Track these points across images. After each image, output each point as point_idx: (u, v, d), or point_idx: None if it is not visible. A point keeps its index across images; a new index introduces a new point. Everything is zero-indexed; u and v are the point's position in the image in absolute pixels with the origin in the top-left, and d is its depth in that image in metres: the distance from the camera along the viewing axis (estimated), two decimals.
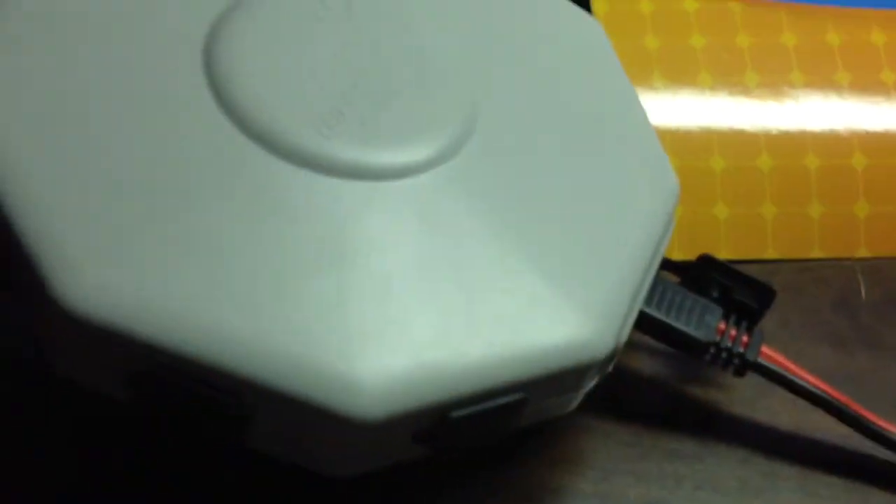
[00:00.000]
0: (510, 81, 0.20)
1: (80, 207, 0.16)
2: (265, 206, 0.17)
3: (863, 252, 0.24)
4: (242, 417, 0.17)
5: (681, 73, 0.25)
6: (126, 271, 0.16)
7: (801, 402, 0.20)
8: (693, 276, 0.21)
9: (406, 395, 0.16)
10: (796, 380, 0.20)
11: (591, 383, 0.19)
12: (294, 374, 0.16)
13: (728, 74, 0.25)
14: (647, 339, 0.20)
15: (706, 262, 0.21)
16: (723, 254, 0.24)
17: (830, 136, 0.25)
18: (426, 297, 0.17)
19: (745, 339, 0.20)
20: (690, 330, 0.20)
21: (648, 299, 0.20)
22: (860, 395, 0.21)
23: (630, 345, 0.19)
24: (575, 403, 0.19)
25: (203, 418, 0.17)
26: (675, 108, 0.25)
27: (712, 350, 0.20)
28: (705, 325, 0.20)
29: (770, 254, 0.24)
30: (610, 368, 0.19)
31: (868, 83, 0.25)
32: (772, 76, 0.25)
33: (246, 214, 0.17)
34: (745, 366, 0.20)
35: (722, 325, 0.20)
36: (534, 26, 0.21)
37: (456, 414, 0.17)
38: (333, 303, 0.17)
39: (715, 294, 0.21)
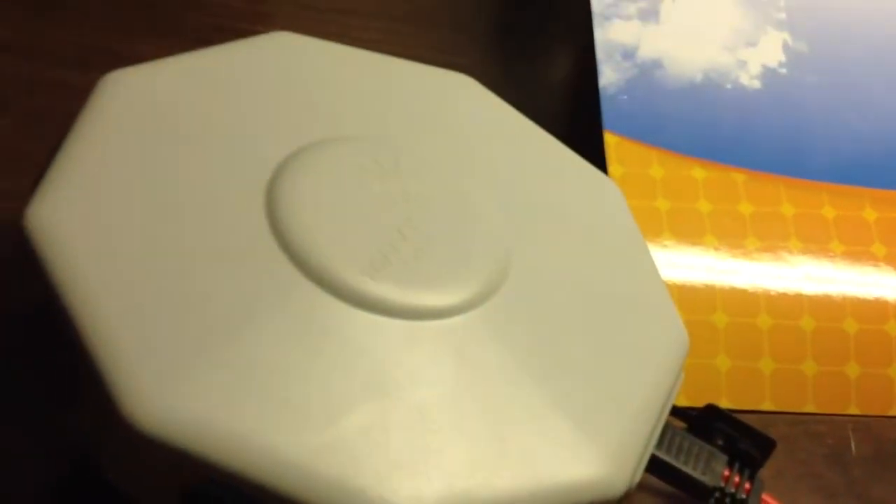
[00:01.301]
0: (539, 237, 0.22)
1: (150, 332, 0.18)
2: (317, 339, 0.19)
3: (853, 409, 0.26)
4: None
5: (688, 234, 0.27)
6: (190, 394, 0.17)
7: None
8: (699, 423, 0.22)
9: None
10: None
11: None
12: (339, 498, 0.17)
13: (731, 238, 0.28)
14: (655, 482, 0.22)
15: (712, 411, 0.22)
16: (723, 403, 0.26)
17: (825, 300, 0.27)
18: (459, 430, 0.19)
19: (747, 486, 0.22)
20: (697, 475, 0.21)
21: (659, 443, 0.21)
22: None
23: (639, 487, 0.21)
24: None
25: None
26: (682, 266, 0.27)
27: (717, 495, 0.21)
28: (711, 471, 0.21)
29: (767, 406, 0.26)
30: None
31: (859, 254, 0.28)
32: (771, 242, 0.28)
33: (299, 346, 0.19)
34: None
35: (726, 472, 0.22)
36: (561, 186, 0.23)
37: None
38: (375, 431, 0.18)
39: (720, 442, 0.22)
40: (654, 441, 0.21)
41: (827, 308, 0.27)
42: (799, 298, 0.27)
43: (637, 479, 0.20)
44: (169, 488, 0.18)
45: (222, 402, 0.18)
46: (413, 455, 0.18)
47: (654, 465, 0.21)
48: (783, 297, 0.27)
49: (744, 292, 0.27)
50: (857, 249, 0.28)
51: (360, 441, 0.18)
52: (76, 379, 0.19)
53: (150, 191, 0.20)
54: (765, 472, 0.24)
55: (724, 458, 0.22)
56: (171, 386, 0.17)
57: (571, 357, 0.20)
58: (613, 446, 0.19)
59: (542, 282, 0.21)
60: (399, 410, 0.19)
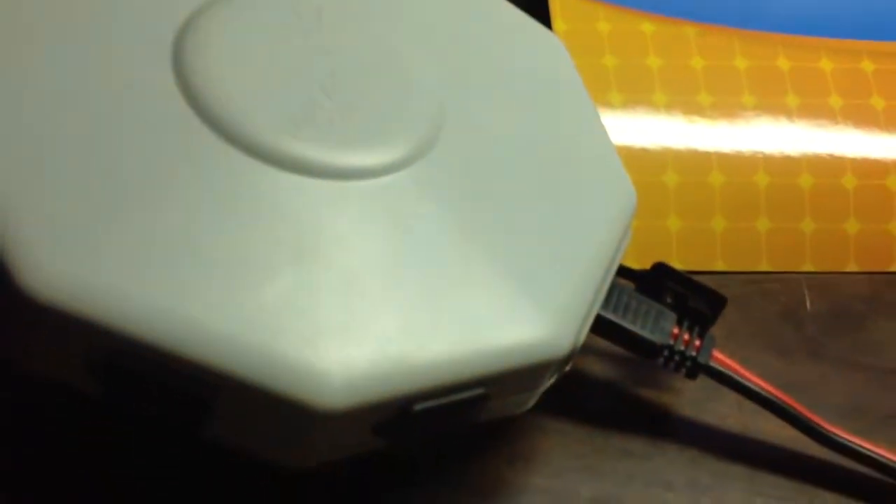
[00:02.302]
0: (476, 92, 0.21)
1: (49, 200, 0.17)
2: (234, 202, 0.17)
3: (808, 266, 0.25)
4: (203, 407, 0.17)
5: (637, 92, 0.26)
6: (90, 259, 0.16)
7: (748, 406, 0.21)
8: (648, 282, 0.21)
9: (370, 387, 0.17)
10: (746, 382, 0.21)
11: (549, 382, 0.19)
12: (259, 363, 0.16)
13: (682, 94, 0.26)
14: (602, 343, 0.21)
15: (661, 269, 0.21)
16: (674, 264, 0.24)
17: (780, 156, 0.26)
18: (391, 294, 0.17)
19: (697, 343, 0.21)
20: (646, 333, 0.20)
21: (606, 303, 0.20)
22: (806, 403, 0.21)
23: (585, 348, 0.20)
24: (532, 402, 0.19)
25: (164, 407, 0.17)
26: (631, 126, 0.26)
27: (666, 353, 0.21)
28: (660, 329, 0.21)
29: (719, 265, 0.25)
30: (567, 369, 0.19)
31: (816, 107, 0.26)
32: (724, 97, 0.26)
33: (215, 209, 0.17)
34: (697, 368, 0.21)
35: (676, 330, 0.21)
36: (501, 41, 0.22)
37: (418, 407, 0.17)
38: (300, 296, 0.17)
39: (669, 300, 0.21)
40: (599, 301, 0.20)
41: (782, 164, 0.26)
42: (753, 155, 0.26)
43: (581, 339, 0.19)
44: (77, 362, 0.17)
45: (132, 269, 0.16)
46: (343, 319, 0.17)
47: (601, 326, 0.20)
48: (737, 154, 0.26)
49: (695, 151, 0.26)
50: (814, 102, 0.27)
51: (285, 307, 0.17)
52: None
53: (50, 47, 0.18)
54: (717, 332, 0.23)
55: (673, 316, 0.21)
56: (73, 252, 0.16)
57: (512, 216, 0.19)
58: (556, 306, 0.18)
59: (479, 139, 0.20)
60: (327, 275, 0.17)
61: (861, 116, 0.26)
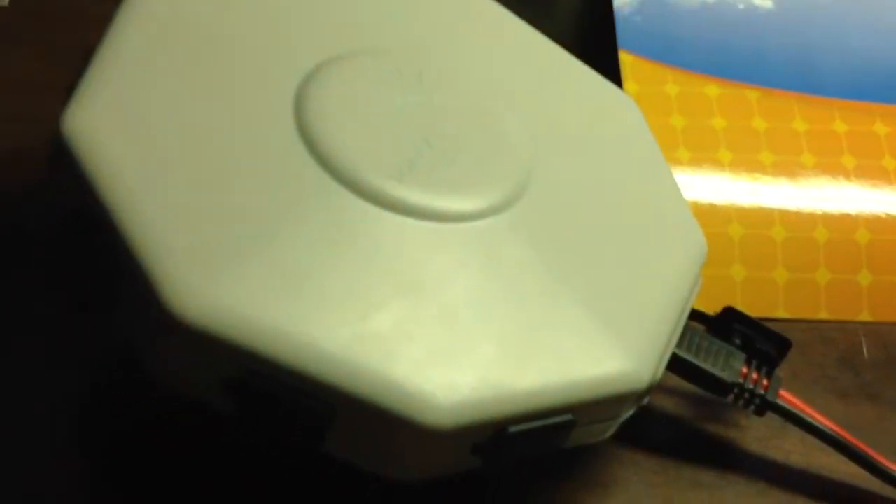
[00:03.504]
0: (562, 148, 0.23)
1: (188, 232, 0.18)
2: (347, 240, 0.19)
3: (865, 316, 0.27)
4: (325, 423, 0.19)
5: (704, 150, 0.28)
6: (229, 286, 0.18)
7: (810, 443, 0.22)
8: (718, 325, 0.23)
9: (471, 408, 0.18)
10: (812, 420, 0.22)
11: (628, 413, 0.21)
12: (373, 383, 0.18)
13: (745, 153, 0.28)
14: (673, 380, 0.22)
15: (730, 313, 0.23)
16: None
17: (838, 212, 0.28)
18: (488, 327, 0.19)
19: (765, 382, 0.22)
20: (717, 371, 0.22)
21: (680, 343, 0.22)
22: (864, 442, 0.23)
23: (659, 385, 0.22)
24: (612, 431, 0.21)
25: (290, 423, 0.19)
26: (698, 182, 0.28)
27: (735, 391, 0.22)
28: (730, 368, 0.22)
29: (781, 313, 0.27)
30: (645, 402, 0.21)
31: (871, 168, 0.28)
32: (785, 156, 0.28)
33: (331, 246, 0.19)
34: (766, 406, 0.22)
35: (745, 369, 0.22)
36: (582, 101, 0.24)
37: (513, 429, 0.19)
38: (407, 324, 0.19)
39: (737, 342, 0.23)
40: (675, 340, 0.21)
41: (839, 220, 0.27)
42: (812, 211, 0.27)
43: (660, 374, 0.21)
44: (213, 381, 0.19)
45: (260, 295, 0.18)
46: (445, 348, 0.19)
47: (676, 364, 0.22)
48: (797, 210, 0.27)
49: (758, 206, 0.27)
50: (869, 163, 0.28)
51: (393, 334, 0.19)
52: (111, 284, 0.19)
53: (184, 97, 0.20)
54: (781, 374, 0.25)
55: (742, 356, 0.22)
56: (210, 279, 0.18)
57: (595, 260, 0.21)
58: (638, 343, 0.20)
59: (565, 190, 0.22)
60: (430, 307, 0.19)
61: None
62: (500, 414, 0.19)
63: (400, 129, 0.21)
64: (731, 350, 0.23)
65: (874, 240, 0.27)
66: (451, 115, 0.22)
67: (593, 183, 0.22)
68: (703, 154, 0.28)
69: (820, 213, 0.27)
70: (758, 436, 0.24)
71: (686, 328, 0.22)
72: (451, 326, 0.19)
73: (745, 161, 0.28)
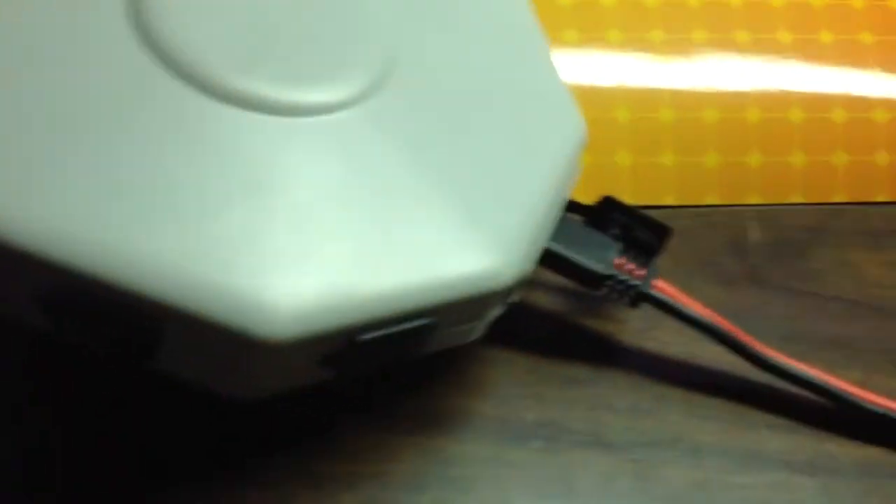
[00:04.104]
0: (428, 29, 0.21)
1: (1, 136, 0.17)
2: (187, 139, 0.18)
3: (754, 198, 0.26)
4: (153, 338, 0.17)
5: (592, 30, 0.27)
6: (37, 195, 0.17)
7: (689, 333, 0.22)
8: (596, 216, 0.22)
9: (317, 317, 0.17)
10: (687, 309, 0.21)
11: (496, 313, 0.20)
12: (205, 295, 0.17)
13: (636, 31, 0.27)
14: (551, 276, 0.21)
15: (608, 203, 0.22)
16: (625, 199, 0.25)
17: (728, 91, 0.26)
18: (340, 226, 0.18)
19: (640, 272, 0.21)
20: (590, 264, 0.21)
21: (553, 236, 0.21)
22: (747, 329, 0.22)
23: (534, 281, 0.21)
24: (480, 332, 0.20)
25: (114, 341, 0.18)
26: (585, 63, 0.26)
27: (610, 282, 0.21)
28: (604, 260, 0.21)
29: (669, 200, 0.26)
30: (515, 299, 0.20)
31: (765, 42, 0.27)
32: (677, 34, 0.27)
33: (168, 147, 0.18)
34: (640, 297, 0.21)
35: (619, 260, 0.21)
36: None
37: (364, 337, 0.18)
38: (248, 228, 0.17)
39: (615, 232, 0.22)
40: (547, 233, 0.20)
41: (730, 99, 0.26)
42: (702, 90, 0.26)
43: (528, 270, 0.20)
44: (29, 299, 0.17)
45: (81, 203, 0.17)
46: (291, 251, 0.18)
47: (548, 258, 0.21)
48: (686, 89, 0.26)
49: (647, 87, 0.26)
50: (764, 37, 0.27)
51: (233, 239, 0.17)
52: None
53: None
54: (664, 264, 0.24)
55: (618, 246, 0.21)
56: (20, 188, 0.17)
57: (461, 150, 0.20)
58: (503, 237, 0.19)
59: (431, 75, 0.20)
60: (277, 209, 0.18)
61: (809, 51, 0.27)
62: (350, 321, 0.18)
63: (248, 15, 0.19)
64: (608, 241, 0.22)
65: (765, 119, 0.26)
66: None
67: (462, 67, 0.21)
68: (592, 34, 0.27)
69: (709, 92, 0.26)
70: (635, 328, 0.23)
71: (561, 220, 0.21)
72: (299, 229, 0.18)
73: (635, 40, 0.27)
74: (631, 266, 0.21)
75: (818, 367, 0.22)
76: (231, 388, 0.18)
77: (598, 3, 0.27)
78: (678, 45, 0.27)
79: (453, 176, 0.19)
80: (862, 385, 0.22)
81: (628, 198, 0.25)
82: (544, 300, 0.24)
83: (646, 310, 0.22)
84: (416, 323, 0.18)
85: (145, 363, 0.18)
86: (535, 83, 0.21)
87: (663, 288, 0.22)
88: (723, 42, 0.27)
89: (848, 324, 0.24)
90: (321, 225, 0.18)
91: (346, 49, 0.20)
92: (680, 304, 0.21)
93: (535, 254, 0.20)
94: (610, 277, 0.21)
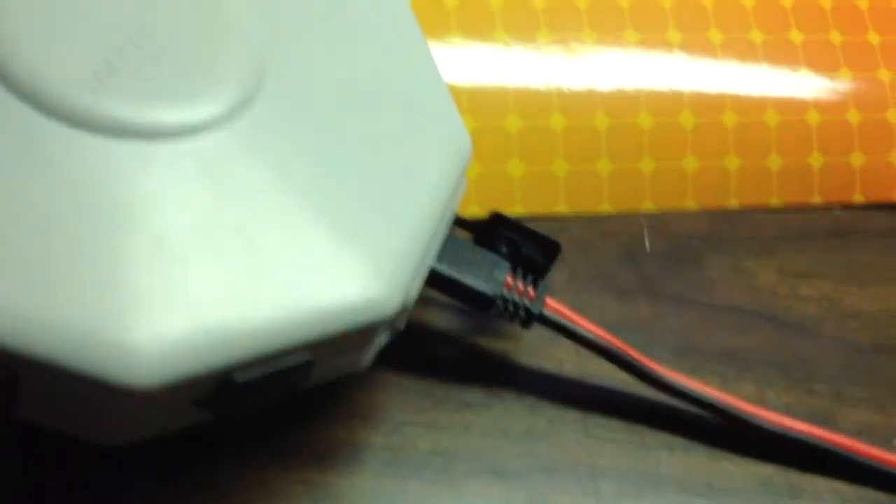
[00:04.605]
0: (301, 38, 0.20)
1: None
2: (30, 168, 0.16)
3: (648, 206, 0.25)
4: (12, 388, 0.16)
5: (477, 31, 0.26)
6: None
7: (584, 352, 0.21)
8: (484, 233, 0.21)
9: (185, 360, 0.16)
10: (578, 329, 0.21)
11: (382, 341, 0.19)
12: (63, 343, 0.15)
13: (522, 32, 0.26)
14: (440, 296, 0.21)
15: (496, 219, 0.21)
16: (517, 209, 0.25)
17: (619, 93, 0.26)
18: (207, 258, 0.17)
19: (531, 292, 0.21)
20: (479, 285, 0.20)
21: (439, 256, 0.20)
22: (642, 343, 0.22)
23: (425, 300, 0.20)
24: (367, 361, 0.19)
25: None
26: (472, 66, 0.25)
27: (500, 304, 0.20)
28: (493, 280, 0.20)
29: (561, 209, 0.25)
30: (401, 325, 0.19)
31: (655, 41, 0.26)
32: (564, 34, 0.26)
33: (9, 176, 0.16)
34: (531, 318, 0.21)
35: (509, 280, 0.21)
36: None
37: (239, 377, 0.17)
38: (105, 267, 0.16)
39: (504, 250, 0.21)
40: (432, 254, 0.19)
41: (622, 102, 0.26)
42: (592, 94, 0.26)
43: (413, 296, 0.19)
44: None
45: None
46: (152, 289, 0.16)
47: (435, 279, 0.20)
48: (576, 93, 0.26)
49: (536, 92, 0.25)
50: (653, 36, 0.26)
51: (87, 279, 0.16)
52: None
53: None
54: (559, 276, 0.24)
55: (506, 265, 0.21)
56: None
57: (338, 170, 0.19)
58: (384, 263, 0.18)
59: (304, 88, 0.19)
60: (135, 242, 0.16)
61: (699, 51, 0.27)
62: (222, 362, 0.16)
63: (98, 25, 0.18)
64: (497, 259, 0.21)
65: (657, 124, 0.26)
66: (165, 4, 0.19)
67: (339, 77, 0.20)
68: (478, 35, 0.26)
69: (599, 94, 0.26)
70: (531, 346, 0.22)
71: (447, 239, 0.20)
72: (160, 263, 0.16)
73: (523, 41, 0.26)
74: (521, 285, 0.21)
75: (712, 382, 0.21)
76: (101, 435, 0.17)
77: (486, 4, 0.26)
78: (566, 45, 0.26)
79: (330, 198, 0.18)
80: (756, 400, 0.21)
81: (520, 207, 0.25)
82: (436, 319, 0.23)
83: (541, 327, 0.21)
84: (293, 360, 0.17)
85: (8, 415, 0.17)
86: (418, 95, 0.20)
87: (554, 307, 0.21)
88: (611, 42, 0.26)
89: (742, 335, 0.23)
90: (185, 259, 0.17)
91: (210, 64, 0.18)
92: (571, 324, 0.21)
93: (421, 278, 0.19)
94: (500, 298, 0.20)
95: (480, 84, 0.25)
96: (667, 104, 0.26)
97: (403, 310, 0.18)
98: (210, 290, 0.16)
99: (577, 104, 0.25)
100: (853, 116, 0.27)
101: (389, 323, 0.18)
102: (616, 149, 0.25)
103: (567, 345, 0.22)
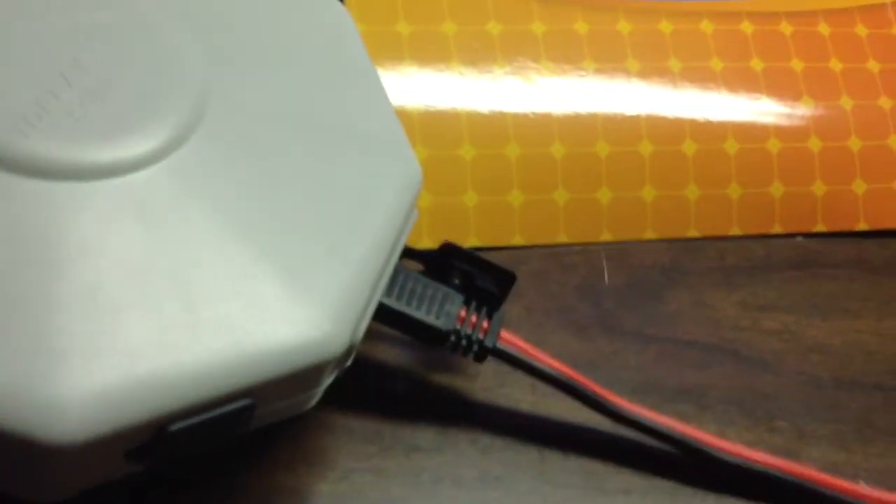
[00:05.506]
0: (244, 68, 0.19)
1: None
2: None
3: (606, 236, 0.25)
4: None
5: (432, 60, 0.25)
6: None
7: (541, 389, 0.20)
8: (436, 264, 0.21)
9: (115, 412, 0.15)
10: (534, 362, 0.20)
11: (328, 381, 0.18)
12: None
13: (479, 62, 0.25)
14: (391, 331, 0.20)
15: (448, 249, 0.20)
16: (472, 241, 0.24)
17: (575, 121, 0.25)
18: (140, 305, 0.16)
19: (485, 325, 0.20)
20: (430, 319, 0.19)
21: (388, 290, 0.19)
22: (599, 379, 0.21)
23: (377, 336, 0.19)
24: (312, 401, 0.18)
25: None
26: (427, 95, 0.25)
27: (453, 338, 0.20)
28: (445, 314, 0.20)
29: (517, 240, 0.24)
30: (348, 363, 0.18)
31: (612, 71, 0.26)
32: (520, 63, 0.25)
33: None
34: (485, 351, 0.20)
35: (462, 313, 0.20)
36: (274, 7, 0.20)
37: (174, 427, 0.16)
38: (34, 316, 0.15)
39: (457, 282, 0.20)
40: (381, 288, 0.19)
41: (579, 131, 0.25)
42: (548, 121, 0.25)
43: (361, 333, 0.18)
44: None
45: None
46: (80, 340, 0.15)
47: (384, 314, 0.19)
48: (531, 121, 0.25)
49: (491, 120, 0.25)
50: (610, 66, 0.26)
51: (16, 331, 0.15)
52: None
53: None
54: (515, 309, 0.23)
55: (459, 298, 0.20)
56: None
57: (282, 206, 0.18)
58: (330, 301, 0.17)
59: (247, 122, 0.18)
60: (66, 289, 0.16)
61: (658, 80, 0.26)
62: (155, 412, 0.15)
63: (30, 64, 0.17)
64: (449, 292, 0.20)
65: (614, 152, 0.25)
66: (102, 38, 0.18)
67: (283, 109, 0.19)
68: (432, 65, 0.25)
69: (556, 122, 0.25)
70: (485, 384, 0.22)
71: (397, 272, 0.19)
72: (91, 310, 0.16)
73: (478, 71, 0.25)
74: (474, 318, 0.20)
75: (672, 416, 0.21)
76: (32, 493, 0.16)
77: (440, 31, 0.25)
78: (522, 72, 0.25)
79: (272, 235, 0.17)
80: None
81: (475, 239, 0.24)
82: (386, 354, 0.22)
83: (496, 362, 0.20)
84: (231, 406, 0.16)
85: None
86: (365, 124, 0.20)
87: (510, 340, 0.20)
88: (568, 71, 0.26)
89: (702, 371, 0.23)
90: (115, 304, 0.16)
91: (145, 97, 0.18)
92: (528, 357, 0.20)
93: (369, 314, 0.18)
94: (453, 333, 0.20)
95: (434, 112, 0.25)
96: (625, 133, 0.25)
97: (350, 348, 0.18)
98: (143, 336, 0.16)
99: (534, 133, 0.25)
100: (815, 145, 0.26)
101: (335, 363, 0.17)
102: (573, 178, 0.25)
103: (522, 382, 0.21)
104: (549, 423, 0.21)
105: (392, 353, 0.22)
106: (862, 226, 0.26)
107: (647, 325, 0.23)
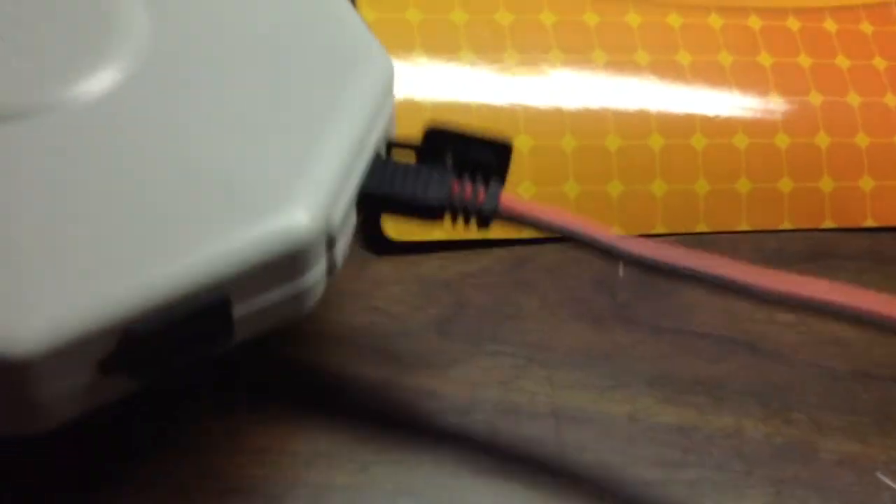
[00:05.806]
0: None
1: None
2: None
3: (616, 230, 0.25)
4: None
5: (442, 49, 0.25)
6: None
7: (558, 374, 0.20)
8: (426, 151, 0.19)
9: (73, 316, 0.15)
10: (544, 218, 0.19)
11: (316, 279, 0.17)
12: None
13: (489, 52, 0.25)
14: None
15: (435, 134, 0.19)
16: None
17: (585, 114, 0.25)
18: (97, 209, 0.16)
19: (481, 193, 0.19)
20: (422, 196, 0.18)
21: (371, 179, 0.18)
22: (616, 370, 0.21)
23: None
24: (306, 305, 0.17)
25: None
26: (436, 85, 0.24)
27: (449, 211, 0.19)
28: (436, 188, 0.18)
29: (526, 233, 0.24)
30: (338, 264, 0.18)
31: (623, 63, 0.26)
32: (531, 54, 0.25)
33: None
34: (487, 217, 0.19)
35: (455, 185, 0.19)
36: None
37: (140, 329, 0.15)
38: None
39: (450, 162, 0.19)
40: (357, 176, 0.18)
41: (588, 123, 0.25)
42: (560, 115, 0.25)
43: (337, 220, 0.17)
44: None
45: None
46: (41, 248, 0.15)
47: (372, 203, 0.18)
48: (543, 114, 0.25)
49: (502, 112, 0.25)
50: (621, 59, 0.26)
51: None
52: None
53: None
54: (529, 302, 0.23)
55: (451, 173, 0.19)
56: None
57: (242, 99, 0.18)
58: (297, 189, 0.17)
59: (195, 16, 0.18)
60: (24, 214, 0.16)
61: (666, 70, 0.26)
62: (114, 315, 0.15)
63: None
64: (442, 170, 0.19)
65: (626, 146, 0.25)
66: None
67: (230, 11, 0.19)
68: (442, 54, 0.25)
69: (568, 116, 0.25)
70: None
71: (379, 160, 0.19)
72: (46, 223, 0.16)
73: (489, 61, 0.25)
74: (469, 188, 0.19)
75: (687, 412, 0.21)
76: (18, 424, 0.15)
77: (451, 21, 0.25)
78: (534, 66, 0.25)
79: (231, 134, 0.17)
80: (734, 431, 0.21)
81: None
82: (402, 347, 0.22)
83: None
84: (203, 301, 0.15)
85: None
86: (323, 21, 0.19)
87: (511, 202, 0.19)
88: (579, 62, 0.25)
89: (718, 363, 0.22)
90: (72, 211, 0.16)
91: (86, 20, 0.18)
92: (535, 214, 0.18)
93: (345, 200, 0.18)
94: (448, 205, 0.18)
95: (444, 103, 0.24)
96: (636, 126, 0.25)
97: (329, 239, 0.17)
98: (98, 237, 0.15)
99: (544, 126, 0.25)
100: (823, 141, 0.26)
101: (315, 251, 0.17)
102: (583, 171, 0.25)
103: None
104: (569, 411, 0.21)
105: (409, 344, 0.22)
106: (869, 222, 0.26)
107: (662, 317, 0.23)
